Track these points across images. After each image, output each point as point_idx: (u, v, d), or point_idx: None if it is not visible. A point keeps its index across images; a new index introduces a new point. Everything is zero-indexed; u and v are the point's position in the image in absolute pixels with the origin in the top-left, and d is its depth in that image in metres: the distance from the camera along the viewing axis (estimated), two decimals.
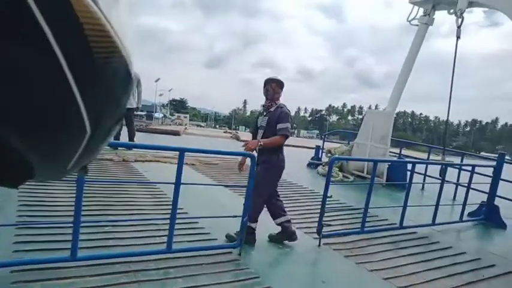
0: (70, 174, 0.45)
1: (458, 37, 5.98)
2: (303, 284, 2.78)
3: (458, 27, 6.06)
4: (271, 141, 3.26)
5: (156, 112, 53.99)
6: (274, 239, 3.41)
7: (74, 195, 2.42)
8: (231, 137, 20.27)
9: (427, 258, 3.48)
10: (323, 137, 11.08)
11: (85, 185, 2.43)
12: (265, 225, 3.96)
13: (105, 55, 0.37)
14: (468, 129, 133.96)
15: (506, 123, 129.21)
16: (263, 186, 3.23)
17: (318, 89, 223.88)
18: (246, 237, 3.02)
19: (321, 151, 9.52)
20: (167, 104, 79.87)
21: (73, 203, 2.43)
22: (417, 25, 7.79)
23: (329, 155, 8.70)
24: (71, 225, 2.39)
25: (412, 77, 7.96)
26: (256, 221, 3.29)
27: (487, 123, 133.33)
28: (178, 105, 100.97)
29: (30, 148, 0.36)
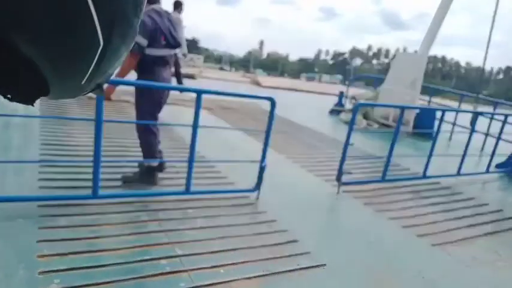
0: (85, 91, 0.46)
1: None
2: (319, 229, 2.80)
3: None
4: (120, 70, 2.70)
5: None
6: (129, 180, 2.93)
7: (93, 135, 2.42)
8: (250, 81, 19.82)
9: (448, 209, 3.41)
10: (348, 82, 10.69)
11: (104, 125, 2.41)
12: (282, 171, 3.94)
13: None
14: (501, 76, 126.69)
15: None
16: (141, 115, 2.94)
17: (341, 29, 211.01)
18: (145, 177, 2.90)
19: (344, 97, 9.23)
20: None
21: (92, 143, 2.44)
22: None
23: (353, 101, 8.43)
24: (91, 164, 2.43)
25: (449, 18, 7.33)
26: (156, 157, 2.95)
27: None
28: (189, 45, 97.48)
29: (41, 54, 0.37)
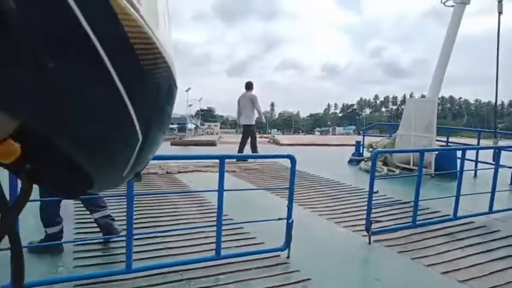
0: (126, 181, 0.48)
1: (500, 12, 5.63)
2: (356, 283, 2.71)
3: (499, 1, 5.70)
4: None
5: (188, 123, 54.36)
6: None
7: (125, 209, 2.53)
8: (269, 141, 20.17)
9: (487, 249, 3.27)
10: (362, 131, 10.79)
11: (134, 199, 2.53)
12: (310, 226, 3.91)
13: (151, 66, 0.39)
14: None
15: None
16: None
17: (345, 84, 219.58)
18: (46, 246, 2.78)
19: (361, 146, 9.27)
20: (195, 114, 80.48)
21: (124, 218, 2.54)
22: (452, 6, 7.41)
23: (371, 149, 8.45)
24: (125, 238, 2.50)
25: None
26: (55, 225, 2.86)
27: None
28: (206, 115, 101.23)
29: (85, 157, 0.39)
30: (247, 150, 8.35)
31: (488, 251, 3.23)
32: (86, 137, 0.37)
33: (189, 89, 50.30)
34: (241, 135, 8.91)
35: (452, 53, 7.46)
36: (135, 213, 2.65)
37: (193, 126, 61.10)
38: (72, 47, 0.33)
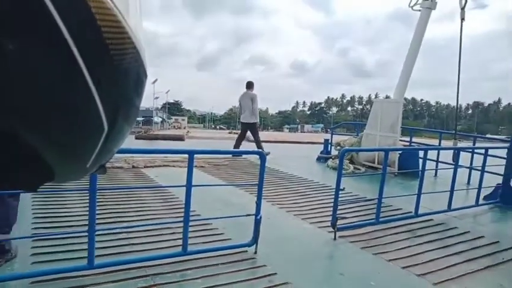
0: (89, 173, 0.46)
1: (462, 19, 5.89)
2: (321, 278, 2.77)
3: (462, 8, 5.97)
4: None
5: (154, 116, 52.36)
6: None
7: (87, 204, 2.43)
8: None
9: (445, 245, 3.43)
10: (331, 130, 11.02)
11: (97, 193, 2.44)
12: (278, 222, 3.95)
13: (121, 51, 0.37)
14: (470, 112, 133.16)
15: (509, 104, 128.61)
16: None
17: (313, 82, 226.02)
18: None
19: (330, 145, 9.47)
20: (162, 107, 77.68)
21: (87, 213, 2.45)
22: (419, 10, 7.69)
23: (338, 147, 8.64)
24: (86, 234, 2.42)
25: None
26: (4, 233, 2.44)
27: (489, 104, 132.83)
28: (173, 108, 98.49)
29: (46, 145, 0.36)
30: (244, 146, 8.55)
31: (445, 246, 3.39)
32: (47, 125, 0.35)
33: (156, 80, 48.78)
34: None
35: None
36: (98, 208, 2.56)
37: (160, 119, 59.37)
38: (33, 25, 0.30)
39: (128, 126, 0.44)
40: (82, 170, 0.44)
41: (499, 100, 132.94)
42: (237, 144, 9.00)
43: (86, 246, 2.41)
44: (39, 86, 0.32)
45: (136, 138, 14.01)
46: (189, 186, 2.70)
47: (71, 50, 0.32)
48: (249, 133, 9.19)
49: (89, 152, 0.40)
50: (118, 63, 0.37)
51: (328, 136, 10.16)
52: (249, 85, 9.15)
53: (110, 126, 0.39)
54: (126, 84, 0.40)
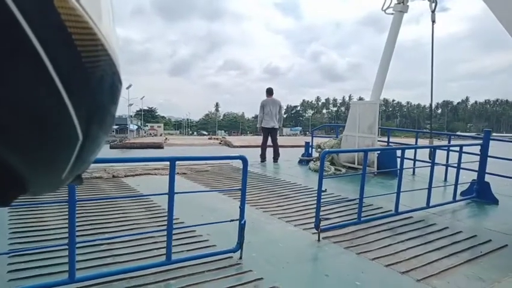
0: (65, 184, 0.44)
1: (433, 21, 6.09)
2: (306, 279, 2.78)
3: (433, 11, 6.17)
4: None
5: (129, 124, 50.30)
6: None
7: (66, 216, 2.37)
8: (220, 143, 19.95)
9: (425, 241, 3.52)
10: (311, 132, 11.14)
11: (77, 204, 2.38)
12: (262, 226, 3.95)
13: (93, 58, 0.36)
14: (440, 111, 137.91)
15: (476, 102, 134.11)
16: None
17: (287, 86, 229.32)
18: None
19: (310, 147, 9.57)
20: (135, 115, 75.21)
21: (66, 225, 2.38)
22: (392, 13, 7.89)
23: (319, 149, 8.74)
24: (66, 247, 2.35)
25: (376, 66, 8.15)
26: None
27: (458, 103, 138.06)
28: (147, 115, 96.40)
29: (18, 158, 0.35)
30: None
31: (426, 243, 3.48)
32: (17, 135, 0.33)
33: (130, 85, 47.21)
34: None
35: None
36: (78, 220, 2.50)
37: (135, 127, 57.58)
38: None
39: (104, 134, 0.43)
40: (57, 181, 0.42)
41: (467, 99, 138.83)
42: (264, 153, 9.26)
43: (66, 260, 2.34)
44: (9, 96, 0.31)
45: (112, 147, 13.59)
46: (171, 193, 2.67)
47: (42, 59, 0.32)
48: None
49: (64, 162, 0.39)
50: (91, 71, 0.36)
51: (308, 139, 10.27)
52: (271, 91, 9.32)
53: (84, 135, 0.38)
54: (101, 92, 0.39)
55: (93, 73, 0.37)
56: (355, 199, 4.25)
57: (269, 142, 9.27)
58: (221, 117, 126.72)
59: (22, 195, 0.39)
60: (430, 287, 2.61)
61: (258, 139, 9.63)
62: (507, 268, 2.99)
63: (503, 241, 3.60)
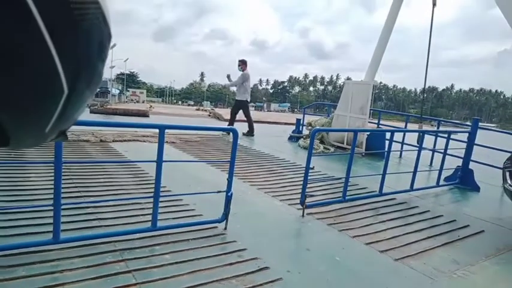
0: (48, 139, 0.42)
1: (434, 4, 5.99)
2: (288, 253, 2.85)
3: None
4: None
5: (111, 88, 48.01)
6: None
7: (52, 177, 2.35)
8: (209, 115, 19.57)
9: (406, 222, 3.61)
10: (303, 110, 11.13)
11: (63, 166, 2.36)
12: (248, 199, 4.00)
13: (82, 8, 0.34)
14: (424, 96, 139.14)
15: (460, 89, 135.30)
16: None
17: (273, 61, 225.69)
18: None
19: (301, 124, 9.58)
20: (116, 78, 69.40)
21: (52, 186, 2.37)
22: None
23: (310, 127, 8.76)
24: (52, 207, 2.34)
25: (367, 47, 8.04)
26: None
27: (443, 90, 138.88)
28: (128, 80, 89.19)
29: (6, 111, 0.34)
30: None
31: (406, 224, 3.57)
32: None
33: (115, 45, 45.26)
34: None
35: (373, 41, 7.86)
36: (64, 181, 2.48)
37: (118, 91, 54.95)
38: None
39: (89, 92, 0.41)
40: (40, 135, 0.40)
41: (452, 86, 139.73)
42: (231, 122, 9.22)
43: (51, 221, 2.34)
44: None
45: (92, 112, 12.97)
46: (159, 161, 2.66)
47: (27, 3, 0.30)
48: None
49: (48, 114, 0.38)
50: (79, 18, 0.34)
51: (296, 116, 10.29)
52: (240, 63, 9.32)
53: (70, 88, 0.36)
54: (88, 43, 0.37)
55: (81, 20, 0.35)
56: (341, 178, 4.31)
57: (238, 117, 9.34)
58: (205, 88, 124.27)
59: (3, 146, 0.38)
60: (406, 266, 2.71)
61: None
62: (482, 252, 3.10)
63: (481, 227, 3.72)
